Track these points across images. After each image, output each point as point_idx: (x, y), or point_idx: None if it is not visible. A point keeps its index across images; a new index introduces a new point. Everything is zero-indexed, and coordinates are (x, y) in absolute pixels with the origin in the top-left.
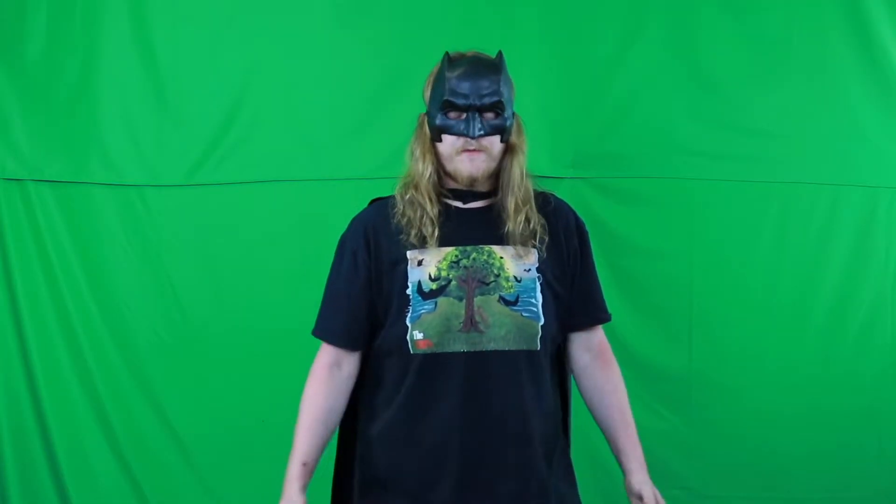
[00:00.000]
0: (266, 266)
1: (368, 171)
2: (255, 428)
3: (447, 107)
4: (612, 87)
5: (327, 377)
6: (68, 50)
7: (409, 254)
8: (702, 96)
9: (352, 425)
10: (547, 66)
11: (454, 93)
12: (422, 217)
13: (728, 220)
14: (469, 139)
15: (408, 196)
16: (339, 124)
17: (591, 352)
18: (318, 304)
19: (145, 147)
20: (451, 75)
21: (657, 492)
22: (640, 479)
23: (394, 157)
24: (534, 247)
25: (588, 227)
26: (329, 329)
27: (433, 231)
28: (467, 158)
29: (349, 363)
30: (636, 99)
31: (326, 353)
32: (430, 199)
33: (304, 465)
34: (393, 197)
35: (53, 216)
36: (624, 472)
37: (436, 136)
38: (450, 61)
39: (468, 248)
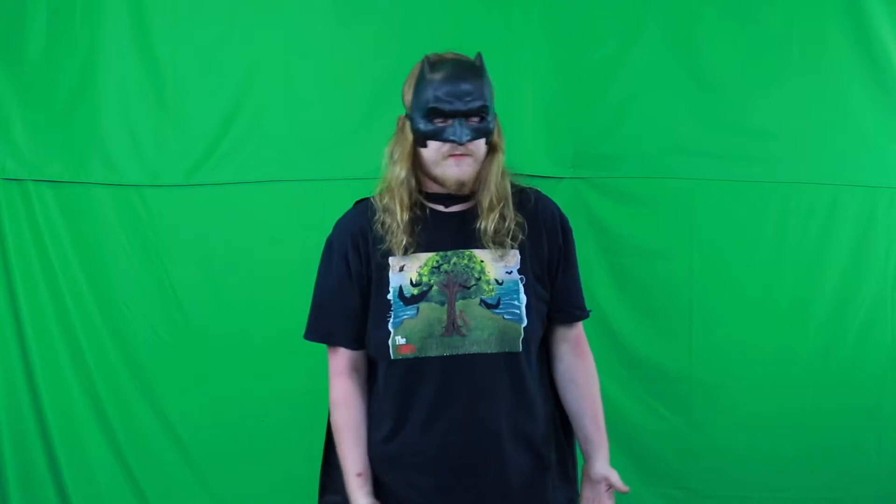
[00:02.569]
0: (266, 266)
1: (368, 171)
2: (255, 428)
3: (433, 113)
4: (612, 87)
5: (347, 383)
6: (68, 50)
7: (390, 259)
8: (702, 96)
9: None
10: (547, 66)
11: (440, 99)
12: (395, 224)
13: (728, 220)
14: (457, 144)
15: (384, 202)
16: (339, 124)
17: (568, 342)
18: None
19: (145, 147)
20: (435, 80)
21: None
22: (603, 465)
23: None
24: (512, 247)
25: (588, 227)
26: (334, 333)
27: (403, 240)
28: (454, 163)
29: (362, 364)
30: (636, 99)
31: (341, 359)
32: (402, 205)
33: (359, 475)
34: (373, 200)
35: (53, 216)
36: (587, 458)
37: (420, 141)
38: (431, 65)
39: (448, 252)
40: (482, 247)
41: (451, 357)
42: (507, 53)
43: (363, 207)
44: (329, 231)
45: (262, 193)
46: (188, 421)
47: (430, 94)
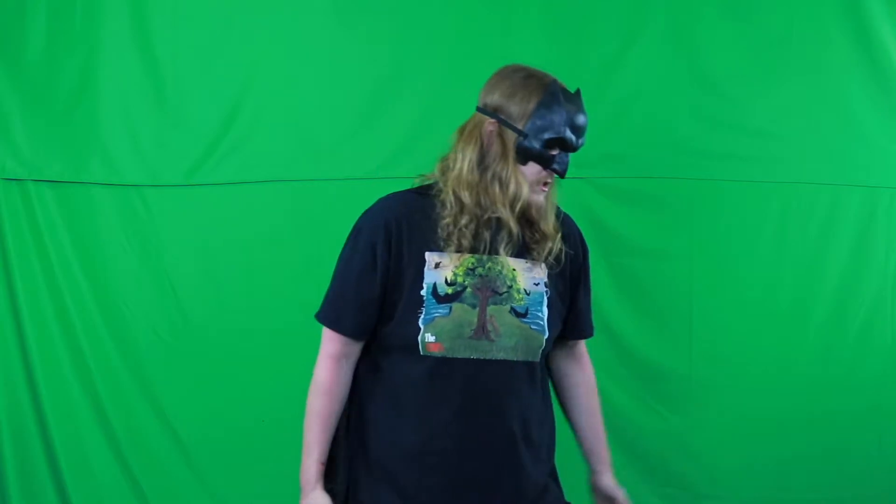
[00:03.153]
0: (266, 266)
1: (368, 171)
2: (255, 428)
3: (556, 142)
4: (613, 86)
5: (336, 370)
6: (68, 50)
7: (427, 255)
8: (702, 96)
9: (356, 411)
10: (546, 66)
11: (571, 131)
12: (504, 230)
13: (728, 220)
14: (556, 174)
15: (491, 215)
16: (340, 124)
17: (572, 357)
18: (317, 305)
19: (145, 147)
20: (569, 111)
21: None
22: (609, 480)
23: (394, 157)
24: (545, 262)
25: (588, 227)
26: (341, 319)
27: (511, 245)
28: (541, 191)
29: (355, 354)
30: (636, 98)
31: (334, 344)
32: (514, 216)
33: (322, 464)
34: (436, 197)
35: (53, 216)
36: (593, 471)
37: (522, 159)
38: (564, 95)
39: (484, 256)
40: (515, 255)
41: (478, 360)
42: (507, 53)
43: (410, 199)
44: (330, 230)
45: (262, 193)
46: (188, 421)
47: (562, 125)
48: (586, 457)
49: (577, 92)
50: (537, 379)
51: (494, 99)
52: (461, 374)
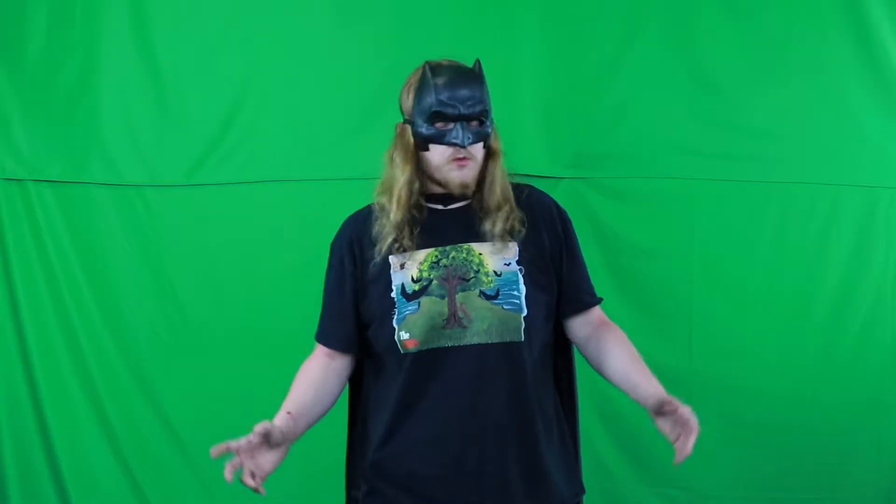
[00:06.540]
0: (265, 266)
1: (368, 171)
2: None
3: (436, 117)
4: (612, 87)
5: (321, 360)
6: (68, 50)
7: (391, 258)
8: (701, 96)
9: (362, 417)
10: (547, 66)
11: (443, 103)
12: (393, 224)
13: (728, 220)
14: (460, 148)
15: (381, 204)
16: (340, 124)
17: (591, 325)
18: (318, 303)
19: (145, 147)
20: (437, 85)
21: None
22: (659, 393)
23: None
24: (512, 241)
25: (587, 227)
26: (324, 333)
27: (397, 238)
28: (457, 167)
29: (342, 360)
30: (635, 99)
31: (320, 348)
32: (398, 204)
33: (289, 413)
34: (373, 205)
35: (53, 216)
36: (648, 399)
37: (422, 146)
38: (432, 71)
39: (447, 247)
40: (480, 240)
41: (453, 348)
42: (507, 53)
43: (366, 211)
44: (330, 230)
45: (261, 193)
46: (188, 420)
47: (432, 98)
48: (638, 398)
49: (452, 63)
50: (525, 359)
51: (401, 103)
52: (439, 364)
